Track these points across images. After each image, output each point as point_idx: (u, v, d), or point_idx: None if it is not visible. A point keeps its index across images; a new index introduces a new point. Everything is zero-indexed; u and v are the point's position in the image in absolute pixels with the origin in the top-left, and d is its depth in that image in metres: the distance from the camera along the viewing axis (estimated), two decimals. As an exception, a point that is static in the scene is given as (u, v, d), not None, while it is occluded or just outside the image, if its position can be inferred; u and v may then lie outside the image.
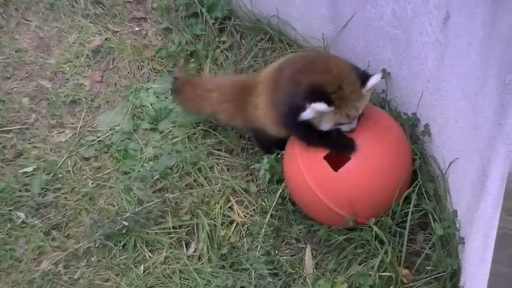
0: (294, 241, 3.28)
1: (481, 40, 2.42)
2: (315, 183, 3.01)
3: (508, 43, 2.15)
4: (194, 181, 3.50)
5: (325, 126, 2.94)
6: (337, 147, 3.00)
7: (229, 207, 3.41)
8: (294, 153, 3.10)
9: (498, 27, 2.27)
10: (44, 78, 4.01)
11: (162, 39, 4.11)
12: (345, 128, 2.97)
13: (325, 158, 3.00)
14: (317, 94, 2.82)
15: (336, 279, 2.99)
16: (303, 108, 2.84)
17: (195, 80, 3.73)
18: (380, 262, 2.97)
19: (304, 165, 3.05)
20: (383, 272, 2.94)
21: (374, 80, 2.88)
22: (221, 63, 3.92)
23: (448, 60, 2.75)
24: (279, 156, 3.40)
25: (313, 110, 2.82)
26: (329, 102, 2.80)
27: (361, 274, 2.95)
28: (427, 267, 2.95)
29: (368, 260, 3.04)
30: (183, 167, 3.53)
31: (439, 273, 2.86)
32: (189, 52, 3.97)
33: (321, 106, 2.80)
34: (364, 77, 2.89)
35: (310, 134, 3.00)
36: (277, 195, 3.32)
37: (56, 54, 4.10)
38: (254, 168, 3.49)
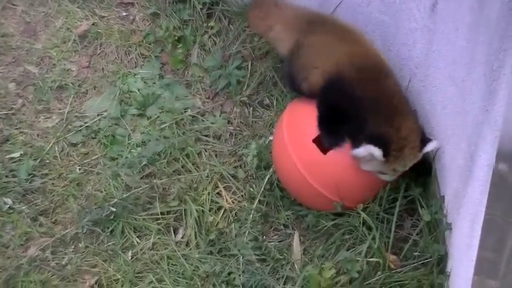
0: (282, 227, 3.29)
1: (468, 26, 2.42)
2: (304, 166, 3.02)
3: (495, 29, 2.15)
4: (182, 167, 3.49)
5: (366, 167, 2.93)
6: (327, 134, 3.00)
7: (217, 193, 3.41)
8: (283, 136, 3.10)
9: (485, 13, 2.27)
10: (30, 63, 3.98)
11: (149, 24, 4.08)
12: (384, 177, 2.98)
13: (314, 141, 3.01)
14: (379, 141, 2.81)
15: (323, 265, 2.99)
16: (351, 117, 2.90)
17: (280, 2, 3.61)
18: (368, 248, 2.98)
19: (293, 148, 3.05)
20: (371, 257, 2.96)
21: (431, 146, 2.89)
22: (209, 48, 3.89)
23: (436, 47, 2.76)
24: (267, 142, 3.40)
25: (367, 151, 2.82)
26: (386, 154, 2.81)
27: (348, 260, 2.96)
28: (415, 253, 2.97)
29: (356, 245, 3.05)
30: (170, 153, 3.52)
31: (426, 258, 2.88)
32: (176, 37, 3.94)
33: (376, 152, 2.80)
34: (424, 141, 2.89)
35: (327, 114, 3.01)
36: (265, 181, 3.32)
37: (43, 39, 4.07)
38: (242, 154, 3.50)
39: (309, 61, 3.18)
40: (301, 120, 3.12)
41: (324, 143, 2.98)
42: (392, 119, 2.85)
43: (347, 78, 2.96)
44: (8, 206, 3.45)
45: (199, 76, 3.84)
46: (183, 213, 3.35)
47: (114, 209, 3.33)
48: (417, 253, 2.96)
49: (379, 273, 2.92)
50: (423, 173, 3.07)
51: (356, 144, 2.87)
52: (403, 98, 2.96)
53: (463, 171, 2.59)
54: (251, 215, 3.30)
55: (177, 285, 3.16)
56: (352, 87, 2.92)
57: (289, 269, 3.13)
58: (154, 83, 3.86)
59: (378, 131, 2.84)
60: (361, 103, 2.88)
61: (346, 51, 3.04)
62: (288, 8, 3.51)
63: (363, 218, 3.01)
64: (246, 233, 3.25)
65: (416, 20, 2.87)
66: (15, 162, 3.60)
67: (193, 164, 3.49)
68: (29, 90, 3.88)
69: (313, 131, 3.03)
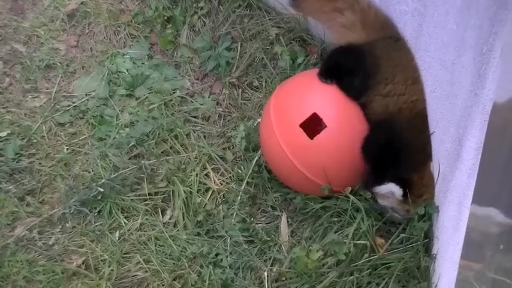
0: (269, 209, 3.29)
1: (458, 10, 2.41)
2: (291, 151, 3.02)
3: (485, 13, 2.15)
4: (170, 148, 3.48)
5: (383, 202, 2.96)
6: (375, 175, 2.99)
7: (206, 175, 3.40)
8: (270, 121, 3.09)
9: (476, -4, 2.26)
10: (17, 42, 3.94)
11: (138, 4, 4.04)
12: (395, 216, 2.99)
13: (301, 126, 3.00)
14: (402, 183, 2.85)
15: (311, 247, 3.00)
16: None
17: None
18: (355, 230, 2.99)
19: (280, 133, 3.05)
20: (358, 240, 2.97)
21: None
22: (199, 29, 3.87)
23: (426, 30, 2.75)
24: (255, 124, 3.40)
25: (389, 189, 2.86)
26: (405, 195, 2.85)
27: (336, 242, 2.97)
28: (401, 235, 2.98)
29: (343, 228, 3.06)
30: (159, 134, 3.51)
31: (413, 242, 2.89)
32: (166, 18, 3.91)
33: (397, 190, 2.84)
34: None
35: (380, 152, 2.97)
36: (253, 163, 3.32)
37: (31, 17, 4.03)
38: (230, 136, 3.49)
39: (387, 85, 3.00)
40: (288, 105, 3.11)
41: (369, 182, 3.00)
42: (421, 166, 2.90)
43: (406, 122, 2.95)
44: (-6, 185, 3.44)
45: (189, 57, 3.82)
46: (171, 194, 3.35)
47: (101, 190, 3.33)
48: (404, 235, 2.96)
49: (366, 255, 2.93)
50: None
51: (379, 181, 2.92)
52: (431, 144, 2.93)
53: (451, 154, 2.59)
54: (239, 197, 3.30)
55: (165, 266, 3.16)
56: (407, 131, 2.94)
57: (277, 250, 3.14)
58: (143, 63, 3.84)
59: (403, 176, 2.88)
60: (406, 150, 2.91)
61: (416, 91, 2.95)
62: None
63: (352, 200, 3.02)
64: (234, 215, 3.26)
65: (407, 3, 2.86)
66: (2, 141, 3.58)
67: (181, 145, 3.48)
68: (17, 69, 3.85)
69: (301, 115, 3.03)
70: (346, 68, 3.05)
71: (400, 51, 2.99)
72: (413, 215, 2.90)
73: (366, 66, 3.01)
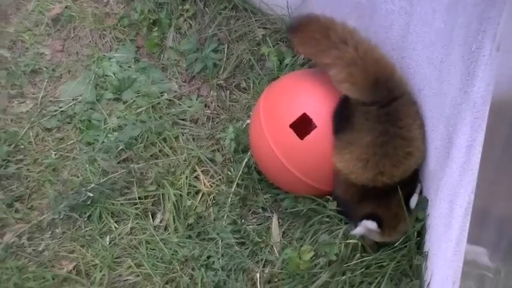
0: (260, 210, 3.29)
1: (446, 8, 2.42)
2: (281, 151, 3.02)
3: (473, 11, 2.16)
4: (159, 151, 3.47)
5: (358, 231, 2.89)
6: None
7: (195, 177, 3.40)
8: (260, 122, 3.09)
9: (464, -6, 2.27)
10: (2, 47, 3.91)
11: (124, 7, 4.03)
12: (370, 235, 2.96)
13: (291, 126, 3.01)
14: (374, 218, 2.83)
15: (302, 248, 3.01)
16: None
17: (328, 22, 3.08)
18: (346, 229, 3.00)
19: (270, 134, 3.04)
20: (348, 240, 2.97)
21: (414, 201, 2.86)
22: (185, 31, 3.86)
23: (413, 28, 2.76)
24: (244, 125, 3.39)
25: (364, 227, 2.83)
26: (380, 226, 2.84)
27: (326, 243, 2.98)
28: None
29: (334, 227, 3.06)
30: (147, 137, 3.49)
31: (405, 240, 2.89)
32: (151, 20, 3.90)
33: (370, 224, 2.82)
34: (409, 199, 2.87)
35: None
36: (243, 165, 3.32)
37: (15, 22, 4.00)
38: (219, 138, 3.49)
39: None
40: (278, 105, 3.11)
41: (351, 229, 2.99)
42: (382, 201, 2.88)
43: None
44: (-18, 192, 3.41)
45: (175, 59, 3.81)
46: (161, 197, 3.34)
47: (91, 194, 3.31)
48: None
49: (358, 255, 2.94)
50: None
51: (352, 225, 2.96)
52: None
53: (441, 152, 2.61)
54: (229, 199, 3.29)
55: (156, 270, 3.15)
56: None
57: (268, 251, 3.14)
58: (129, 66, 3.82)
59: (370, 213, 2.85)
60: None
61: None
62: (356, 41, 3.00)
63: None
64: (225, 217, 3.25)
65: (393, 2, 2.87)
66: (-12, 148, 3.55)
67: (170, 148, 3.48)
68: (2, 74, 3.81)
69: (290, 115, 3.03)
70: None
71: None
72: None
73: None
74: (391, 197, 2.83)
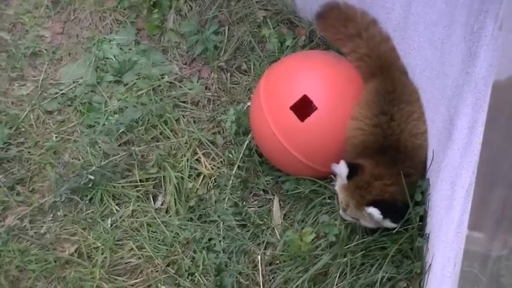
0: (261, 192, 3.29)
1: (448, -12, 2.41)
2: (282, 133, 3.01)
3: (475, -9, 2.14)
4: (160, 134, 3.47)
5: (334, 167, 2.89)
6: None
7: (196, 160, 3.39)
8: (260, 104, 3.08)
9: (466, -26, 2.25)
10: (2, 29, 3.89)
11: (124, -11, 4.00)
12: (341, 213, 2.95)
13: (292, 108, 3.00)
14: (353, 168, 2.81)
15: (303, 230, 3.01)
16: None
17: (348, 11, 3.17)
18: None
19: (271, 116, 3.04)
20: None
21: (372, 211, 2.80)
22: (185, 13, 3.83)
23: (415, 9, 2.74)
24: (245, 108, 3.38)
25: (340, 167, 2.82)
26: (349, 177, 2.81)
27: (326, 224, 2.98)
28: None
29: (335, 208, 3.06)
30: (148, 120, 3.49)
31: (406, 220, 2.89)
32: (152, 2, 3.86)
33: (343, 169, 2.81)
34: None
35: None
36: (244, 147, 3.31)
37: (14, 4, 3.97)
38: (220, 120, 3.48)
39: None
40: (278, 87, 3.10)
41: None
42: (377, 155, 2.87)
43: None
44: (-17, 175, 3.41)
45: (176, 42, 3.79)
46: (162, 180, 3.34)
47: (92, 177, 3.31)
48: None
49: (357, 236, 2.94)
50: None
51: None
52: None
53: (442, 134, 2.60)
54: (230, 181, 3.29)
55: (158, 252, 3.16)
56: None
57: (270, 234, 3.15)
58: (130, 49, 3.80)
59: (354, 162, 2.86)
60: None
61: None
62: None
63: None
64: (226, 199, 3.26)
65: (395, -18, 2.86)
66: (-11, 131, 3.55)
67: (171, 131, 3.47)
68: (2, 57, 3.80)
69: (291, 97, 3.02)
70: None
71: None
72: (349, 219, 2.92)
73: None
74: (381, 161, 2.84)
